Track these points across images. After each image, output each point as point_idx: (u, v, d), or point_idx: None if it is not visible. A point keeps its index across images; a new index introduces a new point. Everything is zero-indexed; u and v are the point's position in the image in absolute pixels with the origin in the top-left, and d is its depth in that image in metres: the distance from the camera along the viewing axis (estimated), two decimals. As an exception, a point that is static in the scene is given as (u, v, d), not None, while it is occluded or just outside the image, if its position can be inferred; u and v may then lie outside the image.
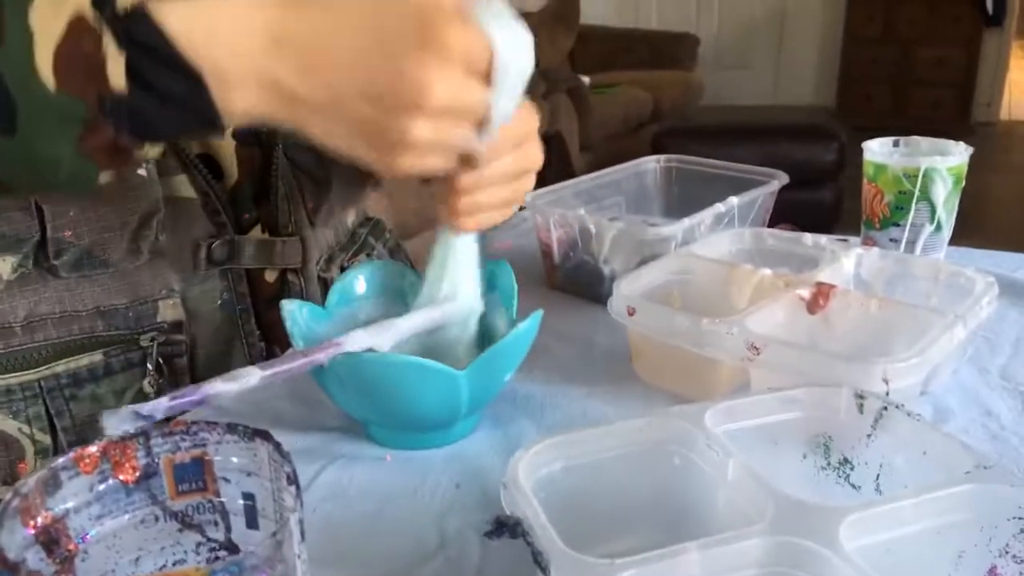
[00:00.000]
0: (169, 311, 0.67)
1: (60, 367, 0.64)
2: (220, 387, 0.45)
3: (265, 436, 0.34)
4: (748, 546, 0.37)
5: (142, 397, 0.67)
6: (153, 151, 0.48)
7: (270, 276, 0.72)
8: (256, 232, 0.71)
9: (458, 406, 0.55)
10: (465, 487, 0.55)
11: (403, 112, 0.44)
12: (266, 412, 0.63)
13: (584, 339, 0.74)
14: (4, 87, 0.42)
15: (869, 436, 0.48)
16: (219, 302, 0.70)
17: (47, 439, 0.64)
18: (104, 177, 0.52)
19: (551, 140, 3.44)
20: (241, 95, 0.45)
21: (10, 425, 0.63)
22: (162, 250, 0.66)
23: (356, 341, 0.52)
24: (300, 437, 0.60)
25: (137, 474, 0.34)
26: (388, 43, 0.43)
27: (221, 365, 0.71)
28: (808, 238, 0.73)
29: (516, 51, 0.46)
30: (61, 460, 0.32)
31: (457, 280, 0.58)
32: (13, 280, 0.61)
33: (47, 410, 0.63)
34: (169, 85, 0.43)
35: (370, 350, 0.53)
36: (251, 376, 0.46)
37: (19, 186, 0.51)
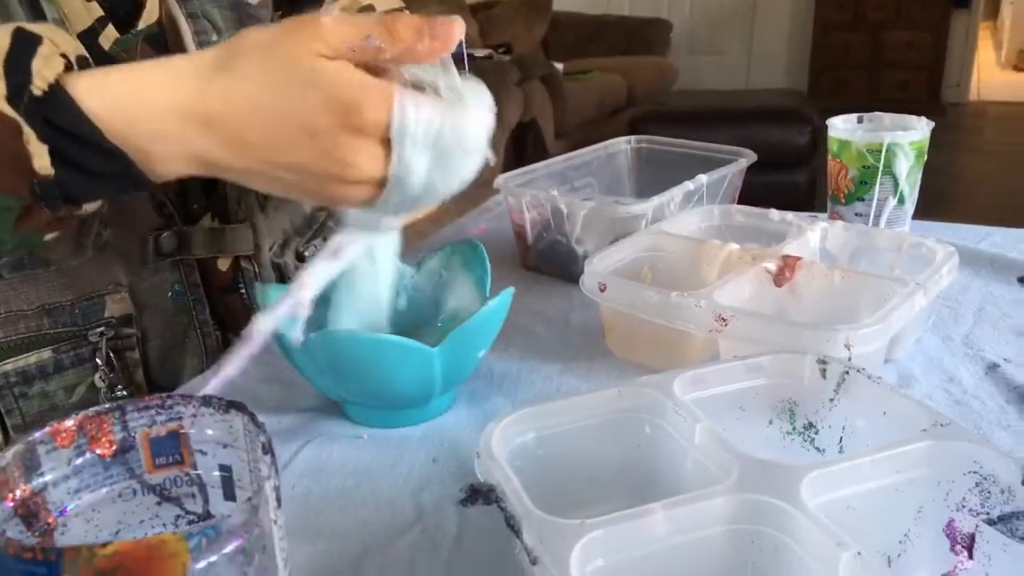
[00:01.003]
0: (117, 305, 0.67)
1: (8, 366, 0.63)
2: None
3: (240, 408, 0.35)
4: (713, 504, 0.39)
5: (94, 392, 0.67)
6: (91, 207, 0.49)
7: (223, 264, 0.72)
8: (206, 221, 0.71)
9: (432, 383, 0.56)
10: (442, 461, 0.56)
11: (331, 181, 0.46)
12: (242, 394, 0.61)
13: (558, 317, 0.75)
14: None
15: (832, 400, 0.49)
16: (170, 293, 0.70)
17: None
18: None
19: (527, 127, 3.45)
20: (168, 168, 0.46)
21: None
22: (108, 245, 0.65)
23: (263, 323, 0.49)
24: (277, 418, 0.61)
25: (114, 448, 0.35)
26: (308, 124, 0.44)
27: (175, 356, 0.71)
28: (775, 214, 0.75)
29: (418, 110, 0.44)
30: (38, 434, 0.33)
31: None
32: None
33: None
34: (96, 164, 0.45)
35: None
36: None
37: None
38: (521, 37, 4.12)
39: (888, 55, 4.91)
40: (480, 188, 0.65)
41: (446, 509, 0.51)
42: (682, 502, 0.38)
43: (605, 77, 4.01)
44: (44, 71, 0.43)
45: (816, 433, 0.51)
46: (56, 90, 0.43)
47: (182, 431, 0.36)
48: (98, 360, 0.66)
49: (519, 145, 3.37)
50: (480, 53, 3.53)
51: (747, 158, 0.87)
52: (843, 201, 0.81)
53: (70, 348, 0.66)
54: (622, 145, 0.99)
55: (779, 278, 0.64)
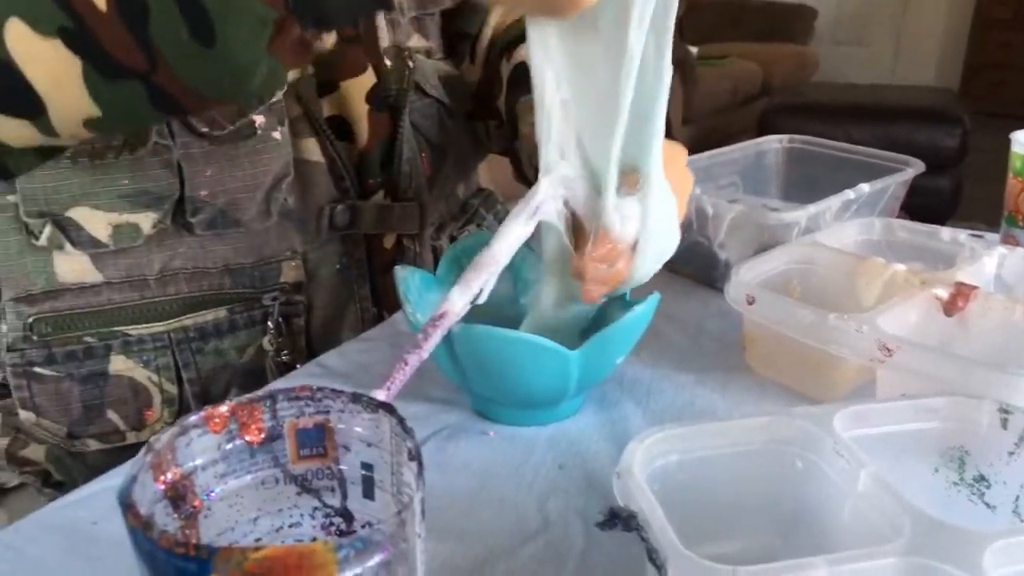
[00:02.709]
0: (291, 272, 0.68)
1: (188, 321, 0.66)
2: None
3: (389, 409, 0.34)
4: (882, 565, 0.35)
5: (262, 354, 0.68)
6: (330, 41, 0.48)
7: (388, 242, 0.73)
8: (378, 197, 0.71)
9: (567, 385, 0.54)
10: (568, 469, 0.54)
11: None
12: (373, 376, 0.63)
13: (694, 324, 0.72)
14: (201, 3, 0.41)
15: (1011, 454, 0.45)
16: (337, 266, 0.71)
17: (174, 389, 0.66)
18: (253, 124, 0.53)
19: (654, 111, 3.36)
20: None
21: (140, 373, 0.65)
22: (288, 212, 0.67)
23: (456, 304, 0.50)
24: (403, 404, 0.59)
25: (262, 436, 0.35)
26: None
27: (334, 328, 0.73)
28: (945, 233, 0.69)
29: None
30: (192, 418, 0.33)
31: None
32: (152, 235, 0.63)
33: (175, 361, 0.66)
34: None
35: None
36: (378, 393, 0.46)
37: (217, 97, 0.49)
38: (656, 18, 4.01)
39: (1053, 58, 4.53)
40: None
41: (572, 521, 0.49)
42: (848, 559, 0.35)
43: (741, 64, 3.86)
44: None
45: (988, 487, 0.46)
46: None
47: (329, 425, 0.35)
48: (269, 323, 0.68)
49: (645, 129, 3.30)
50: (613, 32, 3.46)
51: (915, 168, 0.80)
52: (1021, 224, 0.74)
53: (244, 309, 0.68)
54: (773, 144, 0.93)
55: (950, 307, 0.59)
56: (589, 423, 0.58)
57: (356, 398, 0.34)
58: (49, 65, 0.43)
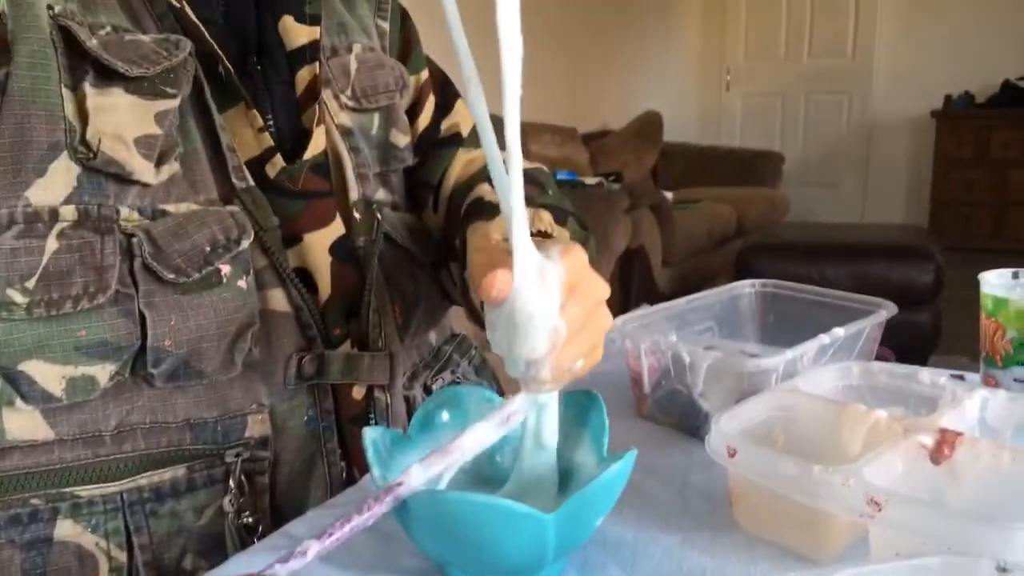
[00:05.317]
0: (257, 426, 0.66)
1: (143, 480, 0.62)
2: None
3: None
4: None
5: (221, 516, 0.65)
6: None
7: (357, 393, 0.71)
8: (345, 347, 0.70)
9: (544, 552, 0.51)
10: (550, 645, 0.50)
11: None
12: (340, 546, 0.60)
13: (679, 477, 0.69)
14: None
15: (1017, 617, 0.42)
16: (305, 419, 0.68)
17: (123, 556, 0.62)
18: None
19: (634, 255, 3.44)
20: None
21: (88, 539, 0.61)
22: (254, 363, 0.65)
23: (414, 478, 0.50)
24: None
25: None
26: None
27: (300, 485, 0.69)
28: (925, 375, 0.68)
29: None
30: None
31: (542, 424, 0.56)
32: (109, 388, 0.60)
33: (126, 525, 0.62)
34: None
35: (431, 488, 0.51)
36: (309, 549, 0.45)
37: None
38: (631, 166, 4.19)
39: (1015, 194, 4.72)
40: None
41: None
42: None
43: (714, 207, 3.99)
44: None
45: (995, 654, 0.42)
46: None
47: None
48: (231, 482, 0.64)
49: (626, 272, 3.36)
50: (590, 181, 3.59)
51: (887, 310, 0.81)
52: (1000, 364, 0.73)
53: (204, 467, 0.64)
54: (746, 288, 0.94)
55: (937, 455, 0.57)
56: (571, 591, 0.55)
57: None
58: None
